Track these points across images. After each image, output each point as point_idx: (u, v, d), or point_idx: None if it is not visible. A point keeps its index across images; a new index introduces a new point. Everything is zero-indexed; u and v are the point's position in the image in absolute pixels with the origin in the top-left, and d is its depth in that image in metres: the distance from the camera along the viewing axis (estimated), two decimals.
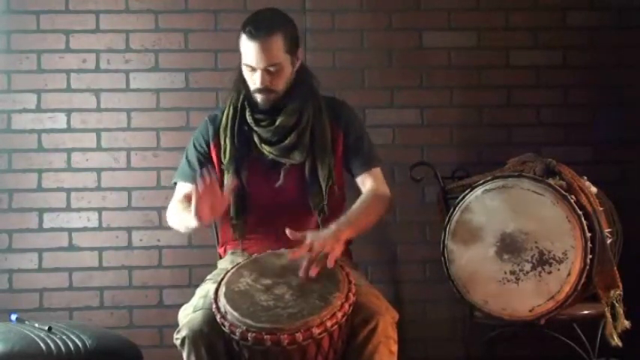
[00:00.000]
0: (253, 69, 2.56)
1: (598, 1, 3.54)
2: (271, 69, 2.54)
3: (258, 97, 2.59)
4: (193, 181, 2.66)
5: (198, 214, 2.35)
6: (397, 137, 3.46)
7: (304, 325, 2.12)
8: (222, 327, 2.19)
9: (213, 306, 2.24)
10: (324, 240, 2.32)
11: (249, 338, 2.13)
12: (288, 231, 2.34)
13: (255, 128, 2.62)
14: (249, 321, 2.15)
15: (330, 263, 2.28)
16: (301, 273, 2.27)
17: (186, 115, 3.40)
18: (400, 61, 3.47)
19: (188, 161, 2.73)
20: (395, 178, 3.34)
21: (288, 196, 2.61)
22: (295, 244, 2.37)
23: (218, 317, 2.20)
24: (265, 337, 2.11)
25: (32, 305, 3.30)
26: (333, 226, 2.42)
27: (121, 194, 3.38)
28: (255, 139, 2.62)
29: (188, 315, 2.34)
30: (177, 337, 2.30)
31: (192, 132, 2.81)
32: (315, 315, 2.14)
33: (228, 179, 2.60)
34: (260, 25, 2.53)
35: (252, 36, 2.52)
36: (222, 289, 2.27)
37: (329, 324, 2.14)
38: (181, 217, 2.57)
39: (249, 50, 2.54)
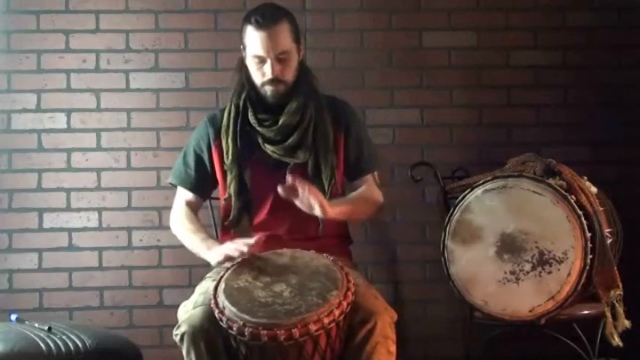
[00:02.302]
0: (262, 60, 2.56)
1: (598, 1, 3.54)
2: (281, 57, 2.55)
3: (268, 90, 2.59)
4: (193, 187, 2.69)
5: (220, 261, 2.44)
6: (397, 137, 3.46)
7: (301, 322, 2.13)
8: (220, 322, 2.19)
9: (212, 301, 2.24)
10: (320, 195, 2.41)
11: (246, 333, 2.13)
12: (279, 188, 2.39)
13: (258, 128, 2.62)
14: (246, 316, 2.15)
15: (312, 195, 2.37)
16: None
17: (186, 115, 3.40)
18: (400, 61, 3.47)
19: (186, 164, 2.72)
20: (395, 178, 3.34)
21: None
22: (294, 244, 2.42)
23: (216, 312, 2.21)
24: (262, 332, 2.12)
25: (32, 305, 3.31)
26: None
27: (121, 194, 3.38)
28: (258, 139, 2.62)
29: (188, 311, 2.34)
30: (177, 333, 2.31)
31: (192, 132, 2.81)
32: (312, 312, 2.14)
33: (232, 181, 2.61)
34: (266, 15, 2.55)
35: (259, 25, 2.53)
36: (222, 286, 2.27)
37: (326, 321, 2.15)
38: (193, 242, 2.60)
39: (257, 40, 2.54)
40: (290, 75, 2.59)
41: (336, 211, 2.47)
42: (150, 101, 3.40)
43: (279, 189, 2.38)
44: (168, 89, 3.41)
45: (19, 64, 3.36)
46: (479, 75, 3.49)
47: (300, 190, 2.38)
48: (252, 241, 2.37)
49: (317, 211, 2.40)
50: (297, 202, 2.39)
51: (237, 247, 2.37)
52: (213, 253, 2.46)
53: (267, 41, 2.53)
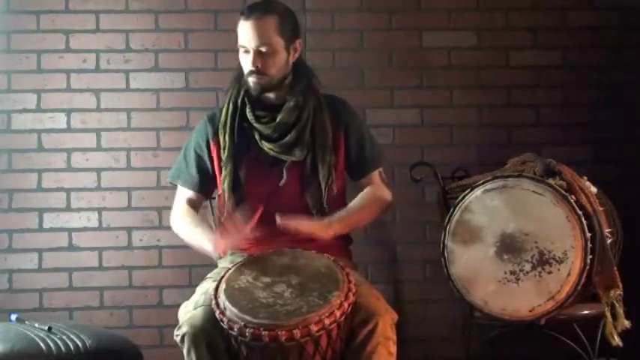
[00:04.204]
0: (247, 50, 2.57)
1: (598, 1, 3.54)
2: (263, 49, 2.55)
3: (251, 81, 2.59)
4: (194, 186, 2.69)
5: (218, 249, 2.45)
6: (397, 137, 3.46)
7: (302, 322, 2.13)
8: (221, 323, 2.20)
9: (213, 302, 2.25)
10: (314, 224, 2.43)
11: (247, 334, 2.14)
12: (278, 218, 2.40)
13: (256, 125, 2.62)
14: (247, 317, 2.16)
15: (305, 230, 2.40)
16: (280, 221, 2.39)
17: (186, 115, 3.40)
18: (400, 61, 3.47)
19: (186, 162, 2.73)
20: (395, 178, 3.34)
21: (287, 195, 2.60)
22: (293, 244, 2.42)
23: (217, 313, 2.21)
24: (263, 332, 2.12)
25: (32, 305, 3.31)
26: (326, 219, 2.50)
27: (121, 194, 3.38)
28: (255, 135, 2.62)
29: (189, 312, 2.34)
30: (178, 334, 2.31)
31: (192, 132, 2.81)
32: (313, 312, 2.15)
33: (226, 177, 2.61)
34: (257, 7, 2.60)
35: (246, 16, 2.57)
36: (223, 286, 2.28)
37: (327, 322, 2.15)
38: (194, 237, 2.60)
39: (242, 30, 2.57)
40: (272, 69, 2.58)
41: (336, 228, 2.50)
42: (150, 101, 3.40)
43: (278, 219, 2.42)
44: (168, 89, 3.41)
45: (19, 64, 3.36)
46: (479, 75, 3.49)
47: (291, 229, 2.41)
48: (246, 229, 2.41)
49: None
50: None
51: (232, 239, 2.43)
52: (215, 249, 2.48)
53: (249, 31, 2.55)
